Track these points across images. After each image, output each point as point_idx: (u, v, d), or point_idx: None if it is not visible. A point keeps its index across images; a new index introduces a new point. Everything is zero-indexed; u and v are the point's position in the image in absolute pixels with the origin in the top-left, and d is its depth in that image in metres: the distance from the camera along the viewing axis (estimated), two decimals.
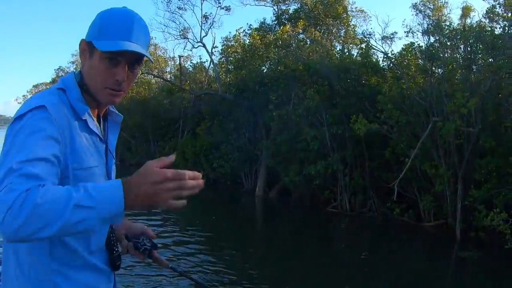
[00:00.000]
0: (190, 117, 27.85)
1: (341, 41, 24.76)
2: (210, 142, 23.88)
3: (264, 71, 22.59)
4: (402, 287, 10.46)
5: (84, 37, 2.03)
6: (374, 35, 17.07)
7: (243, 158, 22.49)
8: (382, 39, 17.27)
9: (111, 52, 1.93)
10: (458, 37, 14.79)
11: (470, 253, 12.67)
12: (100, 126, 2.17)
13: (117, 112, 2.30)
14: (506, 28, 14.19)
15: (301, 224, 16.77)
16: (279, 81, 19.67)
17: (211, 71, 30.52)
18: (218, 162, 23.18)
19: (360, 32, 21.07)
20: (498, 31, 14.75)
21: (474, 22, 16.75)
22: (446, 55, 15.01)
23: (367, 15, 28.66)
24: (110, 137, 2.24)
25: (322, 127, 17.45)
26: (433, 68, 15.08)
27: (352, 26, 26.96)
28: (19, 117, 1.78)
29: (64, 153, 1.84)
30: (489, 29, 14.69)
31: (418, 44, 16.10)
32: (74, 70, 2.28)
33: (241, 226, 16.16)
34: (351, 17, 27.83)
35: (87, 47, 2.00)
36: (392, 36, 17.75)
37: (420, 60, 15.81)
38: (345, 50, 19.89)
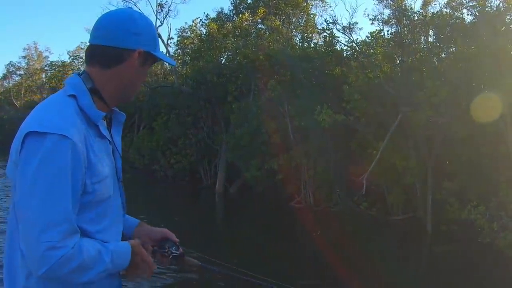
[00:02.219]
0: (146, 112, 26.63)
1: (301, 31, 23.93)
2: (167, 137, 22.76)
3: (222, 62, 21.54)
4: (376, 284, 9.67)
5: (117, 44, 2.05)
6: (337, 23, 16.01)
7: (202, 153, 21.58)
8: (343, 28, 16.36)
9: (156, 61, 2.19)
10: (427, 24, 14.05)
11: (445, 247, 11.99)
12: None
13: (120, 111, 2.27)
14: (478, 14, 13.44)
15: (264, 221, 15.97)
16: (238, 72, 18.74)
17: (167, 64, 29.39)
18: (176, 157, 22.13)
19: (323, 20, 20.28)
20: (468, 18, 14.08)
21: (434, 11, 15.96)
22: (414, 45, 14.24)
23: (327, 4, 28.11)
24: (116, 136, 2.23)
25: (284, 119, 16.54)
26: (401, 57, 14.30)
27: (312, 15, 26.27)
28: (38, 134, 1.81)
29: (84, 173, 1.90)
30: (460, 15, 13.97)
31: (388, 31, 15.34)
32: (78, 71, 2.18)
33: (201, 226, 15.12)
34: (311, 6, 27.16)
35: (142, 56, 2.06)
36: (352, 26, 16.86)
37: (387, 48, 14.98)
38: (307, 39, 18.94)
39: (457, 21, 13.67)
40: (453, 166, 13.18)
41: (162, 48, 30.68)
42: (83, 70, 2.11)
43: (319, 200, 16.75)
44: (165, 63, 27.44)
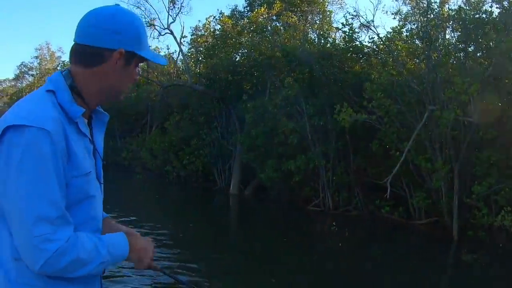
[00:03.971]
0: (158, 111, 26.21)
1: (316, 28, 23.24)
2: (180, 137, 22.10)
3: (237, 59, 20.82)
4: None
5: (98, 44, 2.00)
6: (360, 15, 15.11)
7: (216, 153, 20.88)
8: (366, 22, 15.53)
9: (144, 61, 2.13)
10: (454, 19, 13.29)
11: (474, 256, 11.24)
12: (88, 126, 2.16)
13: (103, 112, 2.26)
14: (509, 6, 12.69)
15: (281, 225, 15.41)
16: (254, 69, 18.06)
17: (180, 63, 28.96)
18: (188, 158, 21.50)
19: (340, 17, 19.63)
20: (496, 11, 13.31)
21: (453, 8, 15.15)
22: (440, 40, 13.47)
23: (344, 1, 27.61)
24: (97, 137, 2.22)
25: (302, 118, 15.86)
26: (427, 52, 13.52)
27: (328, 13, 25.66)
28: (16, 128, 1.80)
29: (65, 165, 1.88)
30: (487, 9, 13.20)
31: (413, 25, 14.57)
32: (61, 70, 2.10)
33: (215, 229, 14.43)
34: (327, 4, 26.54)
35: (124, 56, 2.01)
36: (369, 23, 16.02)
37: (411, 43, 14.21)
38: (325, 35, 18.14)
39: (484, 15, 12.92)
40: (481, 168, 12.42)
41: (175, 46, 30.25)
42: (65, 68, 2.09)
43: (338, 204, 16.03)
44: (178, 63, 26.89)
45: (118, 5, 2.09)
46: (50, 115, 1.85)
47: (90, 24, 2.00)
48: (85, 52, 1.99)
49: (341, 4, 28.20)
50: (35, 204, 1.76)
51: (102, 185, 2.21)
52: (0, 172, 1.80)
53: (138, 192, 22.12)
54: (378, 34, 14.86)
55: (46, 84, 2.01)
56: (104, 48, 1.97)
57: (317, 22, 24.74)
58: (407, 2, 21.93)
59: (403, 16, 15.60)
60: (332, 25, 23.70)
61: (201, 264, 10.31)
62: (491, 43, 12.44)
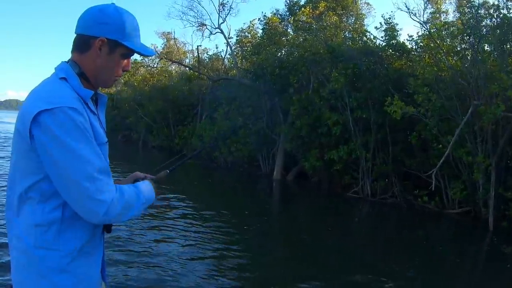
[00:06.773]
0: (207, 103, 25.53)
1: (350, 30, 22.10)
2: (228, 126, 21.16)
3: (282, 55, 19.69)
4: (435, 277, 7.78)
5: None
6: (411, 12, 13.72)
7: (261, 142, 19.87)
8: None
9: (134, 52, 2.10)
10: (493, 17, 11.90)
11: None
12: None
13: (103, 94, 2.26)
14: None
15: (321, 208, 14.37)
16: (299, 65, 16.92)
17: (226, 61, 28.27)
18: (236, 145, 20.60)
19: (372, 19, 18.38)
20: None
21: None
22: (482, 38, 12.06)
23: (372, 7, 26.76)
24: (101, 115, 2.22)
25: (345, 111, 14.72)
26: (467, 48, 12.23)
27: (361, 15, 24.66)
28: (49, 111, 1.80)
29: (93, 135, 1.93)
30: None
31: (459, 20, 13.21)
32: (65, 61, 2.09)
33: (259, 210, 13.44)
34: (360, 8, 25.49)
35: (107, 44, 2.02)
36: (393, 25, 14.76)
37: (454, 40, 12.82)
38: (366, 34, 16.81)
39: None
40: None
41: (222, 46, 29.68)
42: (69, 58, 2.09)
43: (376, 192, 14.91)
44: (225, 62, 25.93)
45: (113, 3, 2.08)
46: (72, 96, 1.90)
47: (83, 17, 2.03)
48: (78, 40, 2.04)
49: (369, 10, 27.20)
50: (83, 165, 1.79)
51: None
52: (48, 149, 1.80)
53: (188, 174, 21.51)
54: (429, 31, 13.45)
55: (57, 72, 2.02)
56: (90, 36, 2.00)
57: (351, 24, 23.65)
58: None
59: (443, 13, 14.31)
60: (364, 27, 22.60)
61: (242, 245, 9.30)
62: None
